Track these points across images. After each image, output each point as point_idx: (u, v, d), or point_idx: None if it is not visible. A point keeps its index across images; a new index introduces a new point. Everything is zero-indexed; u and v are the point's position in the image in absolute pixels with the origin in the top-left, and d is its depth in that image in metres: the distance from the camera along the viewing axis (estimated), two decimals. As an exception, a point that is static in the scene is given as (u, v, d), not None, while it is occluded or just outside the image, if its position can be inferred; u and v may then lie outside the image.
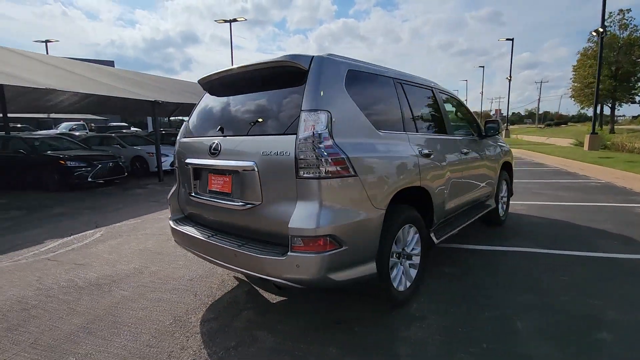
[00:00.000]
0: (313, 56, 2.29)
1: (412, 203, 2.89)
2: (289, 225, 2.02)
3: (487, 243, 4.17)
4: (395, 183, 2.48)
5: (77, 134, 16.21)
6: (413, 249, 2.86)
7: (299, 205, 2.06)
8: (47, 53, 31.19)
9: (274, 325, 2.55)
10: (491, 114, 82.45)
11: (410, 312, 2.68)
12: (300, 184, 2.06)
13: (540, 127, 59.16)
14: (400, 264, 2.75)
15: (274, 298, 2.99)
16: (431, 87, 3.52)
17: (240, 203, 2.34)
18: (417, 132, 2.99)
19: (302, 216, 2.03)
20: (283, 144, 2.13)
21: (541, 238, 4.31)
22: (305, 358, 2.17)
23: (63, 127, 23.28)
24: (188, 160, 2.74)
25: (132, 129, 26.47)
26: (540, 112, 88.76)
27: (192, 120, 2.96)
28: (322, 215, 2.02)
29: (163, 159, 10.64)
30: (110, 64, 42.40)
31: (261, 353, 2.23)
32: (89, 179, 8.75)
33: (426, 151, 2.91)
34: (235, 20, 24.15)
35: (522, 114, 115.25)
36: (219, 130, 2.53)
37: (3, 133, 10.90)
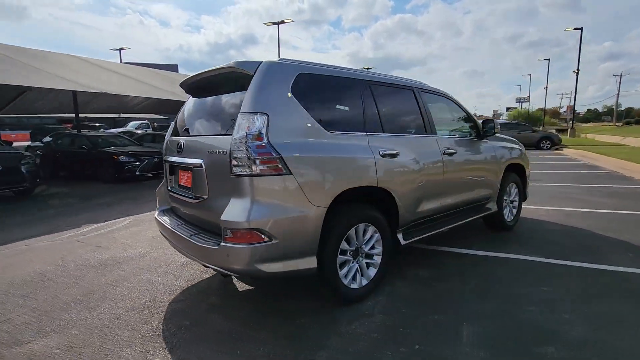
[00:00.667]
0: (260, 62, 2.46)
1: (374, 203, 2.93)
2: (220, 218, 2.22)
3: (483, 248, 4.00)
4: (340, 182, 2.55)
5: (139, 131, 18.00)
6: (373, 247, 2.90)
7: (232, 200, 2.26)
8: (121, 59, 34.81)
9: (230, 310, 2.78)
10: (561, 110, 74.96)
11: (361, 309, 2.73)
12: (234, 180, 2.25)
13: (618, 126, 52.54)
14: (357, 261, 2.81)
15: (242, 287, 3.22)
16: (412, 87, 3.49)
17: (194, 197, 2.60)
18: (383, 132, 3.01)
19: (233, 210, 2.22)
20: (223, 144, 2.33)
21: (547, 246, 4.02)
22: (242, 341, 2.36)
23: (131, 126, 25.90)
24: (165, 157, 3.07)
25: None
26: (622, 108, 78.71)
27: (177, 120, 3.28)
28: (251, 210, 2.19)
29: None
30: (174, 67, 45.93)
31: (207, 333, 2.46)
32: (137, 173, 9.76)
33: (390, 152, 2.92)
34: (282, 22, 24.93)
35: (600, 110, 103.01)
36: (185, 130, 2.81)
37: (75, 131, 12.52)
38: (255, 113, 2.27)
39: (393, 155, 2.95)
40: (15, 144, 11.17)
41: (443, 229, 3.54)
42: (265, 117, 2.28)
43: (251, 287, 3.20)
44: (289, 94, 2.45)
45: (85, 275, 3.50)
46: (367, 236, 2.85)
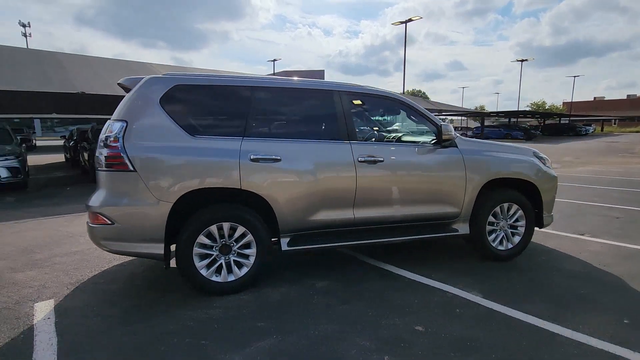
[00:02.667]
0: (142, 78, 2.97)
1: (252, 205, 3.05)
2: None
3: (432, 274, 3.43)
4: (190, 182, 2.81)
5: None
6: (248, 247, 3.03)
7: (97, 189, 2.86)
8: (274, 70, 40.45)
9: (119, 297, 3.02)
10: None
11: (212, 303, 2.91)
12: (97, 173, 2.84)
13: None
14: (225, 258, 3.00)
15: (156, 274, 3.55)
16: (331, 90, 3.33)
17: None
18: (266, 137, 3.08)
19: (93, 196, 2.82)
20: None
21: (534, 291, 3.09)
22: (100, 320, 2.67)
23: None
24: None
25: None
26: None
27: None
28: (99, 197, 2.75)
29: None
30: (321, 73, 50.17)
31: (87, 309, 2.84)
32: None
33: (265, 156, 2.97)
34: (410, 20, 24.23)
35: None
36: None
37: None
38: (117, 120, 2.80)
39: (270, 160, 2.99)
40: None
41: (360, 242, 3.29)
42: (124, 123, 2.78)
43: (158, 274, 3.57)
44: (157, 104, 2.88)
45: (59, 244, 4.73)
46: (236, 235, 3.00)
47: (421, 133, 3.75)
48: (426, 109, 3.71)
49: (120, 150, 2.74)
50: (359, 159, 3.23)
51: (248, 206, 3.05)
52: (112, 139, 2.76)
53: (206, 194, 2.93)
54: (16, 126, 23.41)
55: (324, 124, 3.34)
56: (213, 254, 2.98)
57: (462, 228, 3.62)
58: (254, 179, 2.95)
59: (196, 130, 2.93)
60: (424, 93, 79.29)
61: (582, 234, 4.73)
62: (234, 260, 3.04)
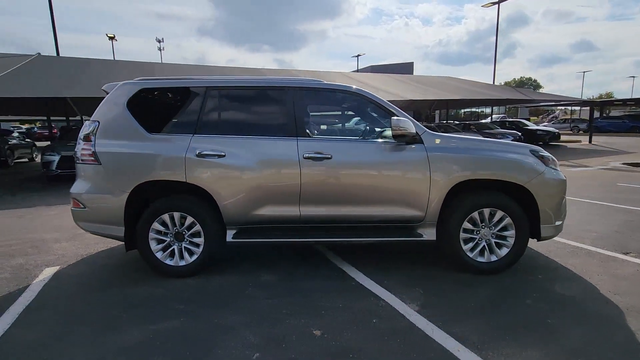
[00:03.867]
0: (118, 84, 3.43)
1: (204, 198, 3.29)
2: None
3: (385, 280, 3.21)
4: (141, 175, 3.16)
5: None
6: (196, 236, 3.29)
7: (76, 178, 3.41)
8: (358, 65, 40.36)
9: (108, 271, 3.68)
10: None
11: (170, 285, 3.24)
12: (76, 165, 3.39)
13: None
14: (178, 245, 3.31)
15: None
16: (283, 87, 3.34)
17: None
18: (215, 135, 3.26)
19: (73, 184, 3.39)
20: None
21: (485, 313, 2.68)
22: (82, 287, 3.32)
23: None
24: None
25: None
26: None
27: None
28: (76, 185, 3.29)
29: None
30: (409, 66, 48.31)
31: (78, 277, 3.61)
32: None
33: (210, 152, 3.16)
34: None
35: None
36: None
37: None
38: (92, 121, 3.32)
39: (214, 156, 3.17)
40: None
41: (307, 240, 3.27)
42: (97, 123, 3.28)
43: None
44: (124, 106, 3.31)
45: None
46: (187, 223, 3.28)
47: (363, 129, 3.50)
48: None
49: (92, 146, 3.25)
50: (304, 155, 3.19)
51: (200, 199, 3.29)
52: (88, 136, 3.28)
53: (161, 186, 3.27)
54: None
55: (273, 121, 3.37)
56: (167, 240, 3.32)
57: (428, 233, 3.27)
58: (198, 173, 3.18)
59: (154, 129, 3.28)
60: (534, 81, 69.78)
61: (627, 253, 3.77)
62: (185, 247, 3.33)
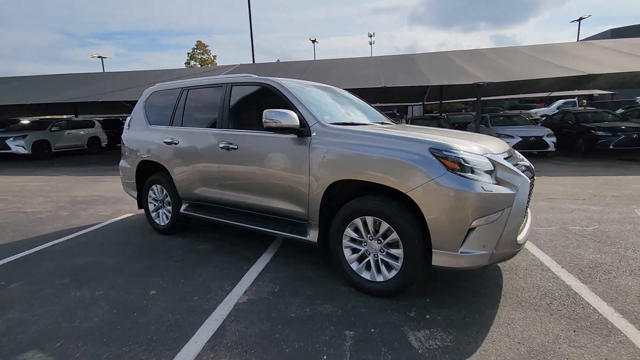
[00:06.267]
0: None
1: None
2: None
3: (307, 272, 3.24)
4: (139, 155, 4.35)
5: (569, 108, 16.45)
6: (170, 202, 4.28)
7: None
8: (578, 33, 31.06)
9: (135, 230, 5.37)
10: None
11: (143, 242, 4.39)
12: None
13: None
14: (162, 209, 4.41)
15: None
16: (223, 84, 3.74)
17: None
18: (180, 126, 4.06)
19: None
20: None
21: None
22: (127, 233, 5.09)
23: (556, 105, 24.51)
24: None
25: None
26: None
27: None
28: (121, 160, 4.85)
29: (507, 139, 10.19)
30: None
31: (123, 227, 5.37)
32: (611, 147, 10.31)
33: (169, 140, 4.02)
34: None
35: None
36: None
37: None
38: (129, 116, 4.77)
39: (172, 143, 4.01)
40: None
41: (227, 221, 3.62)
42: (131, 118, 4.72)
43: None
44: (142, 105, 4.61)
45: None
46: (163, 193, 4.31)
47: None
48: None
49: (124, 135, 4.73)
50: (220, 145, 3.57)
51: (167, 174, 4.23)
52: (126, 127, 4.78)
53: (150, 164, 4.41)
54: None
55: (211, 114, 3.85)
56: (157, 205, 4.46)
57: (312, 235, 3.03)
58: (163, 155, 4.12)
59: (153, 122, 4.43)
60: None
61: None
62: (163, 212, 4.39)
